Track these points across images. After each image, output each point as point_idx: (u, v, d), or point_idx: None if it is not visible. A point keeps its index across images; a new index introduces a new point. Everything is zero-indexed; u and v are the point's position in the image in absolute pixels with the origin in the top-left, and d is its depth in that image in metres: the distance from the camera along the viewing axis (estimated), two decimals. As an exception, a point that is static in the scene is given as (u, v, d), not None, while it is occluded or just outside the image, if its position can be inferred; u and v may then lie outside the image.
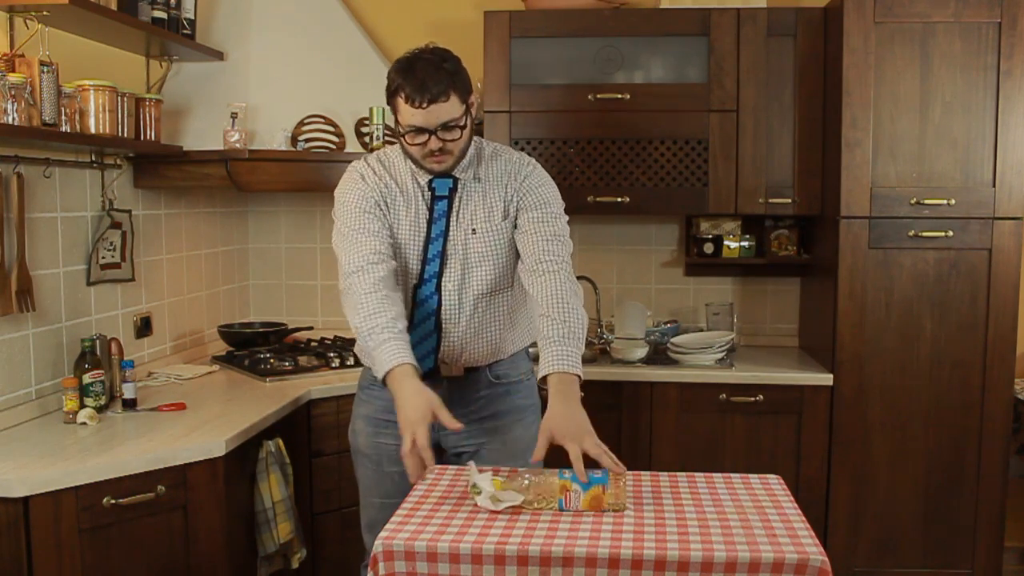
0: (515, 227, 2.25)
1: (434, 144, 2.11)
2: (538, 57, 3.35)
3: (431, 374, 2.26)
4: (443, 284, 2.23)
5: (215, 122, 3.07)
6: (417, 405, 1.94)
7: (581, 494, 1.83)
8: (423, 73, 2.07)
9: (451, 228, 2.22)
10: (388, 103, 2.16)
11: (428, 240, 2.23)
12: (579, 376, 2.01)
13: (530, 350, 2.42)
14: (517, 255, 2.28)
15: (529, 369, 2.40)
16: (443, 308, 2.24)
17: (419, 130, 2.09)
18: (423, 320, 2.25)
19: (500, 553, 1.65)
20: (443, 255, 2.23)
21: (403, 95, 2.08)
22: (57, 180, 2.64)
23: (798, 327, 3.68)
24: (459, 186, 2.24)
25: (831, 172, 3.19)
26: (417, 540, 1.69)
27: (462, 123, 2.12)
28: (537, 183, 2.26)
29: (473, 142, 2.26)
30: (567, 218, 2.28)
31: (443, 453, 2.37)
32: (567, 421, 1.92)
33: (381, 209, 2.23)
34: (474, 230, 2.22)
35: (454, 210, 2.24)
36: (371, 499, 2.41)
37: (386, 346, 2.01)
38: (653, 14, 3.32)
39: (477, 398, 2.33)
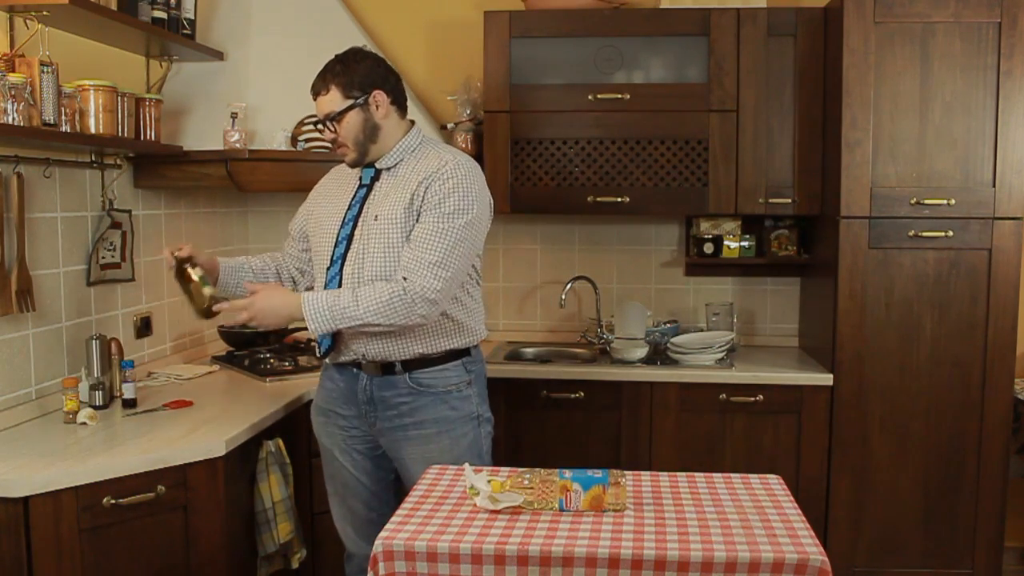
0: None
1: (328, 135, 2.33)
2: (538, 57, 3.35)
3: (353, 364, 2.37)
4: (344, 267, 2.31)
5: (215, 122, 3.06)
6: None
7: (581, 494, 1.83)
8: (320, 71, 2.32)
9: (362, 215, 2.33)
10: None
11: (342, 224, 2.35)
12: (307, 319, 2.20)
13: (468, 365, 2.40)
14: None
15: (464, 382, 2.39)
16: None
17: (319, 121, 2.34)
18: None
19: (500, 553, 1.65)
20: (350, 239, 2.32)
21: None
22: (57, 180, 2.65)
23: (798, 327, 3.68)
24: (380, 176, 2.35)
25: (831, 172, 3.19)
26: (417, 540, 1.69)
27: (341, 115, 2.28)
28: (443, 184, 2.23)
29: (409, 136, 2.35)
30: (472, 215, 2.25)
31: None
32: (263, 290, 2.27)
33: (307, 208, 2.54)
34: (376, 217, 2.30)
35: (369, 199, 2.34)
36: (328, 487, 2.54)
37: None
38: (653, 14, 3.32)
39: (399, 403, 2.35)
